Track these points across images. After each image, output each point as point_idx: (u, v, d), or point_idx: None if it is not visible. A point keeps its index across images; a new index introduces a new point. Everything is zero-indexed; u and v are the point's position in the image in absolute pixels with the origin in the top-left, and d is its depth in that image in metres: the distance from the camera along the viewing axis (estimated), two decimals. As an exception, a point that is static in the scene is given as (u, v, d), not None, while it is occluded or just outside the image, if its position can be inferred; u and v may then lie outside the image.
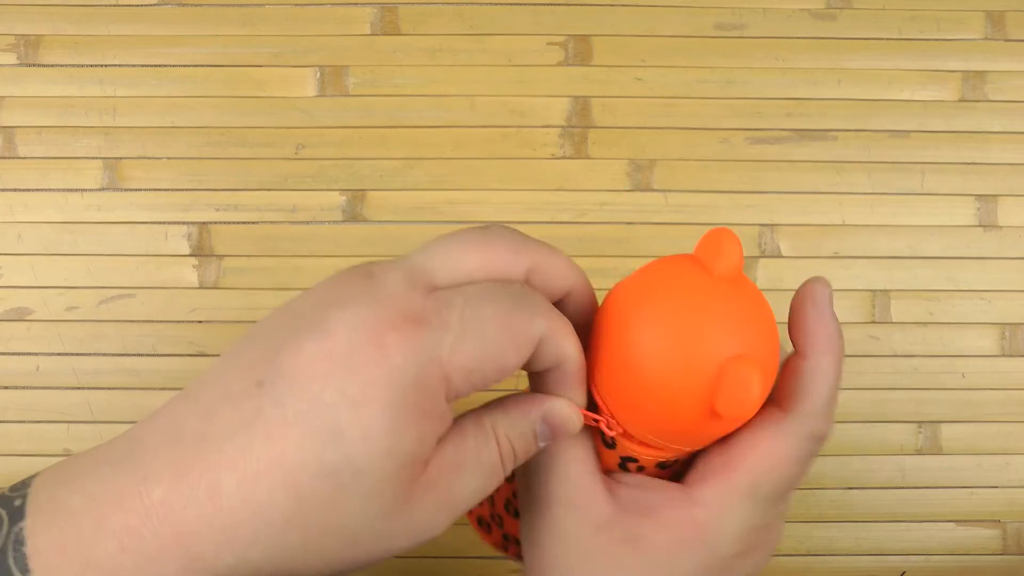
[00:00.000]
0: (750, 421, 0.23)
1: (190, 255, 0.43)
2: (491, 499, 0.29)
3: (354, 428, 0.19)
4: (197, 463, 0.19)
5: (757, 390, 0.20)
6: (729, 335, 0.21)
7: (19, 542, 0.19)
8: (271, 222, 0.43)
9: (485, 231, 0.23)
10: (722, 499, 0.23)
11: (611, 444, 0.24)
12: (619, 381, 0.22)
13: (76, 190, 0.43)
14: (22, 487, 0.20)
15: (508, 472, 0.23)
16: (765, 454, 0.23)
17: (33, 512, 0.19)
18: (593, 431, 0.24)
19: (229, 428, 0.19)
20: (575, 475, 0.24)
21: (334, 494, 0.19)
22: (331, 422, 0.19)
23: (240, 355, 0.21)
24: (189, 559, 0.19)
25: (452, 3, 0.44)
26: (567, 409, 0.23)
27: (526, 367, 0.23)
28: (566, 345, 0.23)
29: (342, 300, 0.20)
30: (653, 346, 0.21)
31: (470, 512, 0.30)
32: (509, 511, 0.29)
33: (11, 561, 0.19)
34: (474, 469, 0.22)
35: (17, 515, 0.19)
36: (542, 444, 0.24)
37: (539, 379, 0.24)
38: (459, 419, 0.23)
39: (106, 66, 0.44)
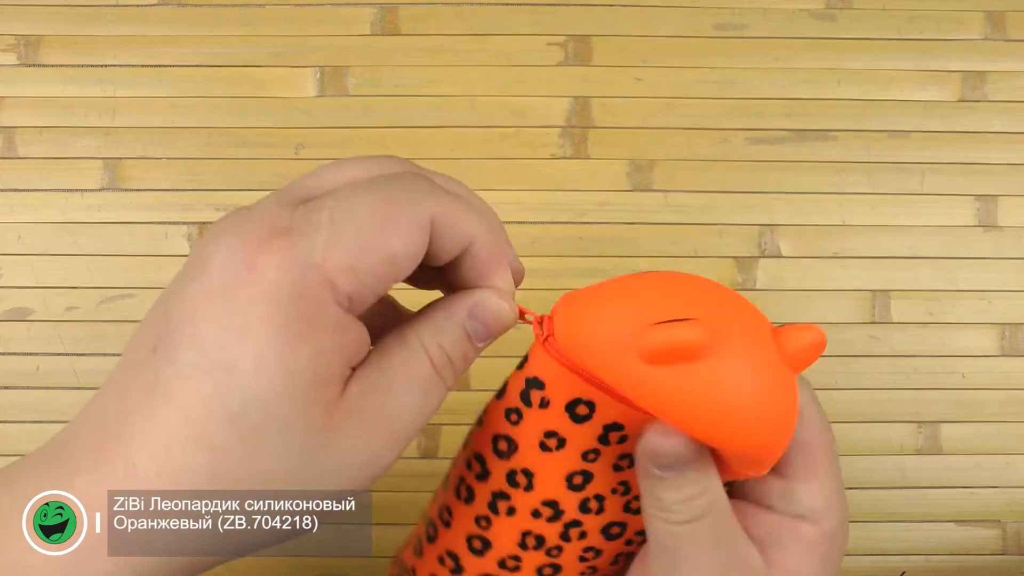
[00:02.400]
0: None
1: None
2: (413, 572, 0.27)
3: (245, 359, 0.18)
4: (115, 446, 0.19)
5: (688, 335, 0.19)
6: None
7: None
8: (271, 222, 0.43)
9: (376, 156, 0.22)
10: None
11: (585, 417, 0.22)
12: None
13: (76, 190, 0.43)
14: None
15: (451, 383, 0.21)
16: None
17: None
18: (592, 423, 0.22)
19: (135, 402, 0.19)
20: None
21: (248, 438, 0.18)
22: (221, 359, 0.18)
23: (141, 325, 0.20)
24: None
25: (452, 3, 0.44)
26: (493, 299, 0.22)
27: (433, 262, 0.21)
28: (467, 224, 0.21)
29: (215, 237, 0.20)
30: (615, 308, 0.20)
31: None
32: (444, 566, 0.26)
33: None
34: (406, 386, 0.20)
35: None
36: (481, 344, 0.22)
37: (456, 274, 0.22)
38: (383, 340, 0.22)
39: (106, 66, 0.44)
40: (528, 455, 0.22)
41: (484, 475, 0.23)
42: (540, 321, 0.21)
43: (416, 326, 0.21)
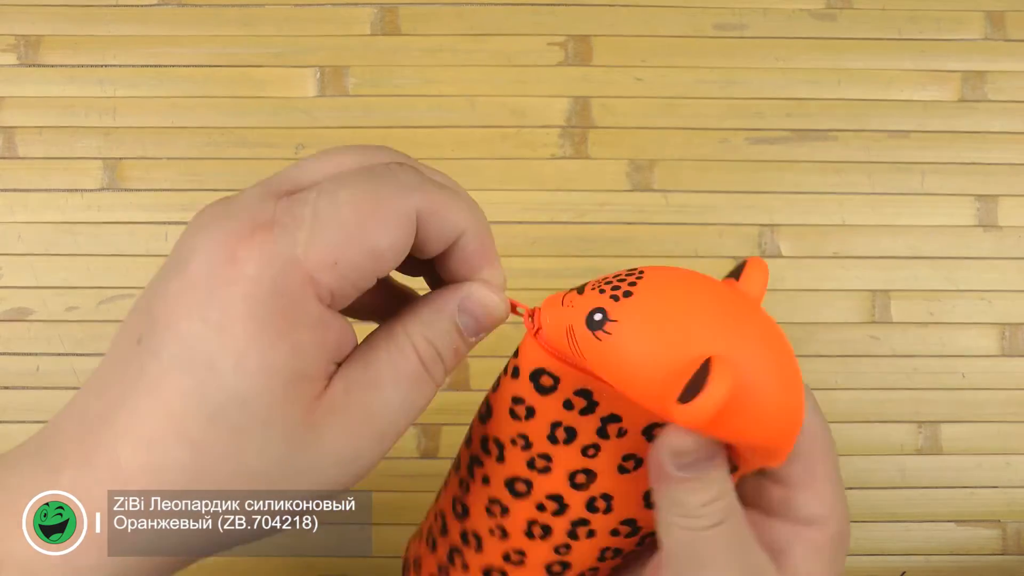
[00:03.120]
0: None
1: (190, 255, 0.43)
2: (436, 557, 0.27)
3: (225, 355, 0.18)
4: (99, 440, 0.18)
5: (719, 393, 0.18)
6: (717, 335, 0.19)
7: None
8: (271, 222, 0.43)
9: (363, 145, 0.21)
10: None
11: (591, 409, 0.22)
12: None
13: (76, 190, 0.43)
14: None
15: (440, 379, 0.21)
16: None
17: None
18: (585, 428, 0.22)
19: (120, 395, 0.19)
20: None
21: (229, 435, 0.18)
22: (202, 356, 0.18)
23: (127, 318, 0.20)
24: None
25: (452, 3, 0.44)
26: (483, 292, 0.21)
27: (421, 254, 0.21)
28: (456, 216, 0.20)
29: (197, 231, 0.19)
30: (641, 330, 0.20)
31: None
32: (455, 564, 0.26)
33: None
34: (392, 383, 0.20)
35: None
36: (472, 339, 0.22)
37: (445, 267, 0.21)
38: (370, 334, 0.21)
39: (106, 66, 0.44)
40: (539, 445, 0.23)
41: (501, 459, 0.24)
42: (531, 314, 0.21)
43: (404, 320, 0.21)
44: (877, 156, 0.44)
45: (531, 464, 0.23)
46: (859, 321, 0.44)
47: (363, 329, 0.22)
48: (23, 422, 0.43)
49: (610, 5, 0.44)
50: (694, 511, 0.20)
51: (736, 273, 0.21)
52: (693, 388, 0.18)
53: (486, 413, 0.24)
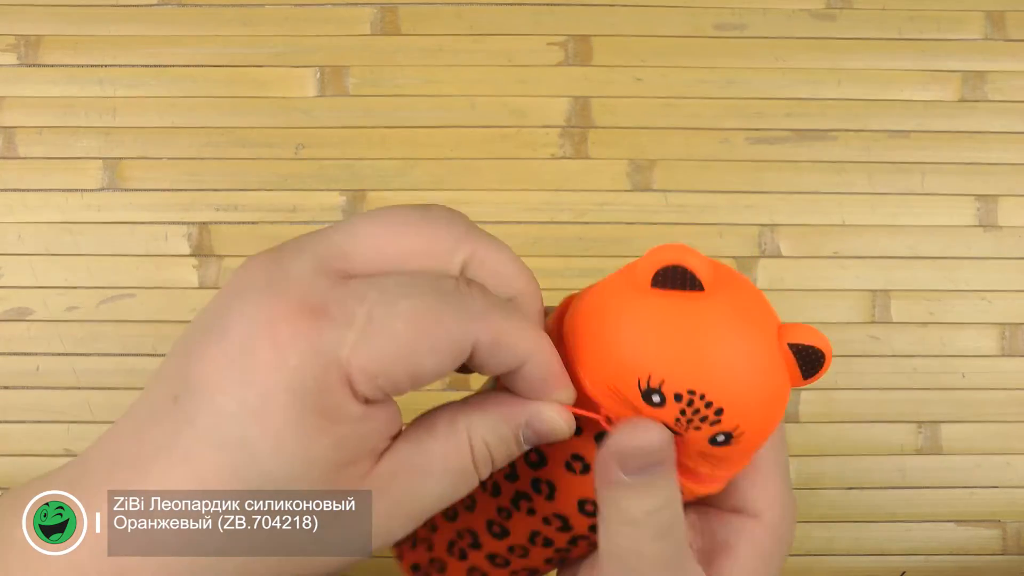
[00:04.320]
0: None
1: (190, 255, 0.43)
2: (429, 543, 0.27)
3: (262, 440, 0.18)
4: (130, 485, 0.18)
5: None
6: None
7: None
8: (271, 222, 0.43)
9: (423, 209, 0.20)
10: None
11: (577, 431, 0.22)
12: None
13: (76, 190, 0.43)
14: None
15: (483, 478, 0.21)
16: None
17: None
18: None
19: (155, 449, 0.18)
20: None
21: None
22: (237, 436, 0.18)
23: (165, 363, 0.20)
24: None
25: (452, 3, 0.44)
26: (554, 414, 0.21)
27: (479, 371, 0.20)
28: (519, 348, 0.19)
29: (243, 291, 0.19)
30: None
31: (403, 558, 0.27)
32: (453, 554, 0.26)
33: None
34: (440, 473, 0.20)
35: None
36: (526, 447, 0.21)
37: (509, 383, 0.21)
38: (429, 415, 0.21)
39: (106, 66, 0.44)
40: (554, 470, 0.23)
41: (512, 477, 0.24)
42: (607, 419, 0.21)
43: (469, 415, 0.21)
44: (877, 156, 0.44)
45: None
46: (859, 321, 0.44)
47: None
48: (23, 422, 0.43)
49: (610, 5, 0.44)
50: (638, 519, 0.20)
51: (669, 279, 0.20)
52: (811, 367, 0.19)
53: (537, 461, 0.23)
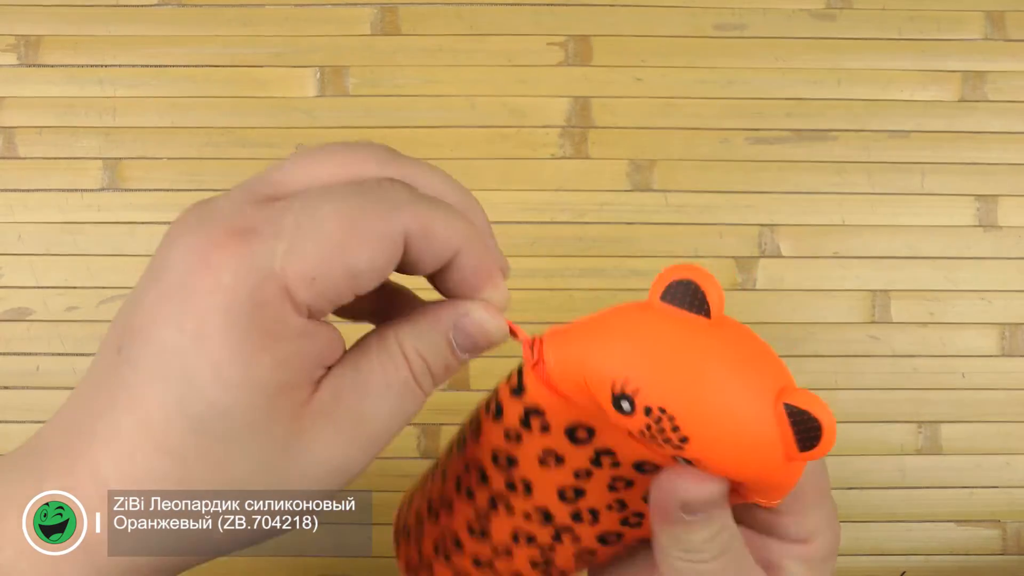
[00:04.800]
0: None
1: (190, 255, 0.43)
2: (419, 545, 0.26)
3: (203, 367, 0.17)
4: (82, 451, 0.18)
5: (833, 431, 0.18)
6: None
7: None
8: (271, 222, 0.43)
9: (351, 144, 0.20)
10: None
11: (584, 440, 0.21)
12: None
13: (76, 190, 0.43)
14: None
15: (428, 391, 0.21)
16: None
17: None
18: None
19: (101, 406, 0.18)
20: None
21: (211, 445, 0.18)
22: (179, 367, 0.18)
23: (112, 323, 0.20)
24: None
25: (452, 3, 0.44)
26: (481, 312, 0.21)
27: (413, 272, 0.20)
28: (449, 235, 0.19)
29: (176, 236, 0.19)
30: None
31: (399, 556, 0.27)
32: (439, 555, 0.26)
33: None
34: (381, 390, 0.20)
35: None
36: (464, 357, 0.21)
37: (444, 285, 0.21)
38: (363, 338, 0.21)
39: (106, 66, 0.44)
40: (527, 468, 0.22)
41: (484, 479, 0.23)
42: (532, 344, 0.21)
43: (398, 329, 0.21)
44: (877, 156, 0.44)
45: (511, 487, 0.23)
46: (859, 321, 0.44)
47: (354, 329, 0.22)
48: (23, 422, 0.43)
49: (610, 5, 0.44)
50: (697, 547, 0.20)
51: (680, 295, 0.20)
52: (807, 437, 0.18)
53: (479, 431, 0.23)
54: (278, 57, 0.44)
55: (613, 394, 0.19)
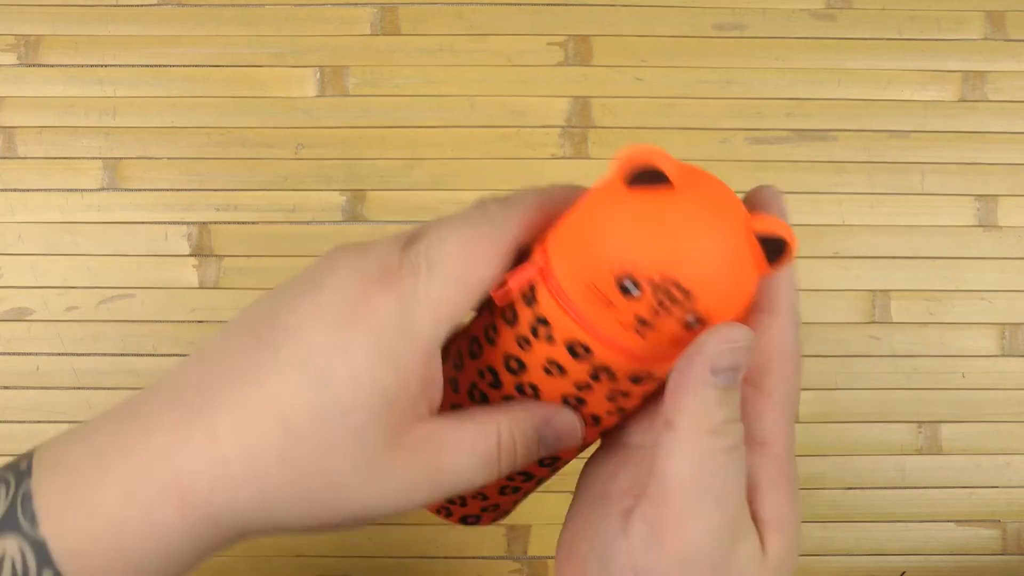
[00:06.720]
0: None
1: (190, 255, 0.43)
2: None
3: (342, 370, 0.20)
4: (196, 411, 0.20)
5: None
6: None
7: (27, 497, 0.20)
8: (271, 222, 0.43)
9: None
10: None
11: (530, 299, 0.23)
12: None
13: (76, 190, 0.43)
14: (28, 454, 0.22)
15: (504, 470, 0.23)
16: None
17: (39, 470, 0.21)
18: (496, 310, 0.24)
19: (227, 377, 0.21)
20: None
21: (323, 434, 0.20)
22: (321, 364, 0.20)
23: (240, 318, 0.22)
24: (185, 502, 0.20)
25: (452, 3, 0.44)
26: (568, 417, 0.24)
27: None
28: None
29: (334, 264, 0.22)
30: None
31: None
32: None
33: (20, 514, 0.20)
34: (467, 452, 0.22)
35: (25, 474, 0.21)
36: (544, 453, 0.24)
37: None
38: (472, 406, 0.24)
39: (106, 66, 0.44)
40: (535, 374, 0.24)
41: (497, 384, 0.25)
42: (541, 270, 0.23)
43: (499, 409, 0.23)
44: (877, 156, 0.44)
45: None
46: (859, 321, 0.44)
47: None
48: (23, 422, 0.43)
49: (610, 5, 0.44)
50: (718, 427, 0.21)
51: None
52: (775, 253, 0.22)
53: (495, 336, 0.25)
54: (278, 57, 0.44)
55: (619, 285, 0.21)
